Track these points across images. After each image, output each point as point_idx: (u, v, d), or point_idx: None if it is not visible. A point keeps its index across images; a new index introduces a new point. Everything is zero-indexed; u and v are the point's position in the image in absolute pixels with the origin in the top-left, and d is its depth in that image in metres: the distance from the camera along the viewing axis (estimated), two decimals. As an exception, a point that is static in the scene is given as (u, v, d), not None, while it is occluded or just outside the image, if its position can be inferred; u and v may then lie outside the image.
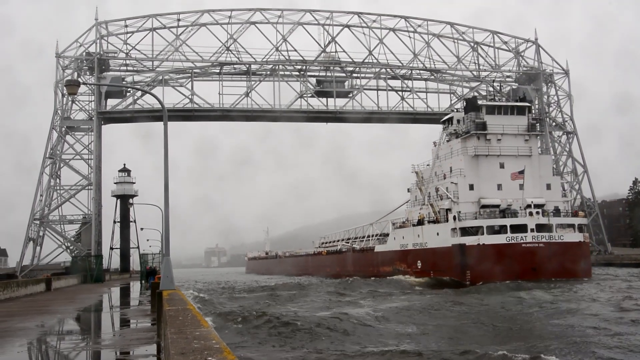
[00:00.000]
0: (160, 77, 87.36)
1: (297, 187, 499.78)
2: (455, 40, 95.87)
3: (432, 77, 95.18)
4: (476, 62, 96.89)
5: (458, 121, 68.74)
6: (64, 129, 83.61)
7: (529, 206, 58.98)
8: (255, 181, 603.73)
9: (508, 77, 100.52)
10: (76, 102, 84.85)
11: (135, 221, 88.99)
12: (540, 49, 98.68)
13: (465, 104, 71.40)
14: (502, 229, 57.59)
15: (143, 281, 55.49)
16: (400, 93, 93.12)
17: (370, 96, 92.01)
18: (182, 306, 12.19)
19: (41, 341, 17.06)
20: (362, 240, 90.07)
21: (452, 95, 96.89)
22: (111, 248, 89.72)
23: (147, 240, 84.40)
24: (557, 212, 61.16)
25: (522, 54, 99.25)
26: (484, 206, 61.38)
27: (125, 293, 46.73)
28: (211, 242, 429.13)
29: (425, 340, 24.98)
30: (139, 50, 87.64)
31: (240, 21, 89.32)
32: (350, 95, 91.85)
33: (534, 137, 66.62)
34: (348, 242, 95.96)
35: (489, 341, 24.23)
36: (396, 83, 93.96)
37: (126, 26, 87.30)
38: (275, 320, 27.97)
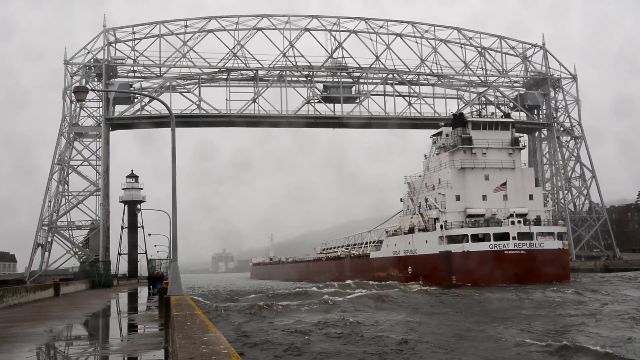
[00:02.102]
0: (168, 84, 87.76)
1: (297, 190, 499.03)
2: (462, 46, 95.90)
3: (440, 82, 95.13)
4: (483, 67, 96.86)
5: (447, 135, 72.39)
6: (72, 135, 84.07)
7: (511, 215, 62.63)
8: (256, 184, 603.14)
9: (515, 82, 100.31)
10: (84, 108, 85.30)
11: (142, 227, 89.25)
12: (547, 53, 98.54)
13: (453, 119, 74.76)
14: (485, 237, 61.41)
15: (151, 287, 55.55)
16: (407, 98, 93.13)
17: (377, 101, 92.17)
18: (190, 311, 12.19)
19: (50, 346, 17.10)
20: (360, 247, 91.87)
21: (459, 100, 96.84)
22: (119, 254, 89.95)
23: (155, 245, 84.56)
24: (538, 221, 64.80)
25: (530, 59, 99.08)
26: (469, 216, 65.43)
27: (133, 298, 46.78)
28: (218, 247, 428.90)
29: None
30: (146, 57, 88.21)
31: (247, 27, 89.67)
32: (357, 100, 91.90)
33: (517, 150, 70.46)
34: (347, 249, 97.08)
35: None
36: (403, 88, 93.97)
37: (134, 33, 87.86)
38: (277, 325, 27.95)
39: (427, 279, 63.88)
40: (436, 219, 66.46)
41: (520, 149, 70.83)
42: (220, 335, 8.37)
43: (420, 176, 77.02)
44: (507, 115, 76.04)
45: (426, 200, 71.46)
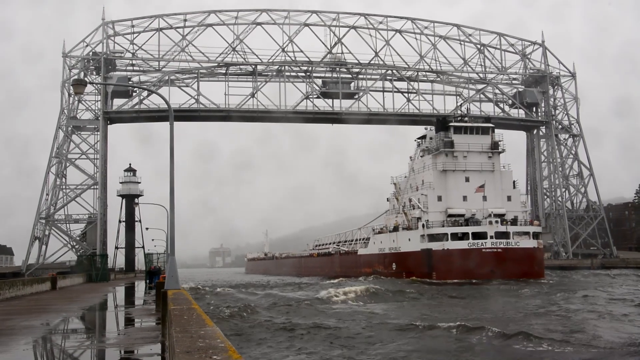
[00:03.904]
0: (167, 77, 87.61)
1: (297, 189, 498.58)
2: (462, 42, 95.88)
3: (439, 79, 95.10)
4: (482, 64, 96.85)
5: (430, 139, 74.96)
6: (70, 128, 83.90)
7: (490, 216, 65.28)
8: (256, 184, 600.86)
9: (514, 79, 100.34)
10: (82, 101, 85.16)
11: (140, 221, 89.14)
12: (547, 51, 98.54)
13: (436, 123, 76.62)
14: (464, 236, 63.95)
15: (148, 281, 55.53)
16: (406, 95, 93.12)
17: (376, 98, 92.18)
18: (187, 305, 12.19)
19: (46, 340, 17.08)
20: (350, 244, 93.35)
21: (458, 97, 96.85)
22: (116, 247, 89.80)
23: (152, 240, 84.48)
24: (514, 221, 66.95)
25: (529, 56, 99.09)
26: (450, 215, 67.99)
27: (130, 292, 46.76)
28: (216, 242, 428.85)
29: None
30: (145, 51, 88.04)
31: (247, 22, 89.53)
32: (356, 96, 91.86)
33: (496, 154, 72.61)
34: (338, 245, 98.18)
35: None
36: (402, 85, 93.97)
37: (133, 26, 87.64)
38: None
39: (409, 275, 66.55)
40: (419, 218, 69.16)
41: (500, 152, 73.03)
42: (217, 329, 8.36)
43: (405, 177, 79.57)
44: (487, 120, 78.09)
45: (410, 200, 74.13)
